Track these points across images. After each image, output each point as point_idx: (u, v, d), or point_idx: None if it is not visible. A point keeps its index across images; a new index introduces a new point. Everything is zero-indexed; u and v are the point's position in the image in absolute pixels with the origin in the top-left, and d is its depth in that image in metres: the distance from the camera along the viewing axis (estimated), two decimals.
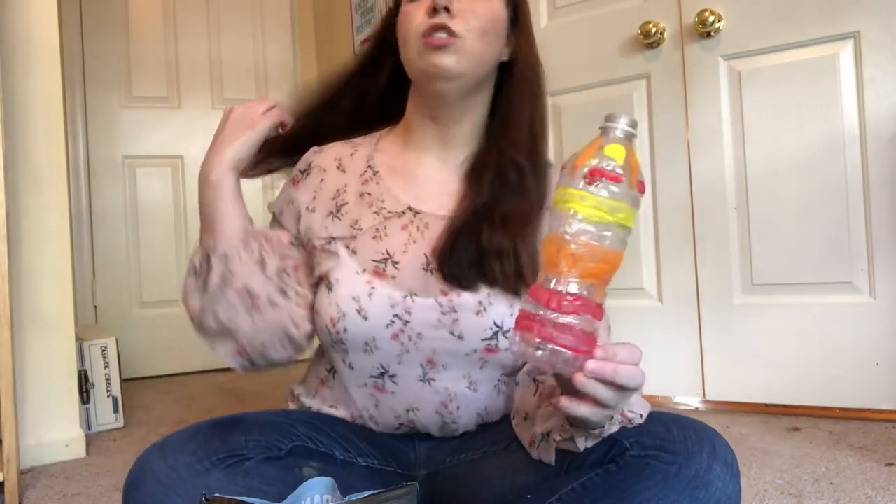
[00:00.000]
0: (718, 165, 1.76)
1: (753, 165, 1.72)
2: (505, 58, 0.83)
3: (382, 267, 0.78)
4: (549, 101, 2.00)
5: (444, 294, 0.76)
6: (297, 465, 0.67)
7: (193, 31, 2.84)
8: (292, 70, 2.98)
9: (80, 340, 1.86)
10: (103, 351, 1.91)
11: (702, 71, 1.78)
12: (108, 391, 1.91)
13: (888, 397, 1.58)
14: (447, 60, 0.76)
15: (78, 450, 1.62)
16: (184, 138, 2.79)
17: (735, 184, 1.75)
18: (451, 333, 0.75)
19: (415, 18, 0.78)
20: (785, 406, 1.70)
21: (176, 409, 2.13)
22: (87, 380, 1.87)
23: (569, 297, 0.53)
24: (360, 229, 0.81)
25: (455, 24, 0.76)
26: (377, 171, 0.85)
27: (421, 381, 0.78)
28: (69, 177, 1.72)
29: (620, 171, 0.54)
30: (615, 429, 0.63)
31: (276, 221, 0.89)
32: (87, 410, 1.88)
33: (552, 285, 0.54)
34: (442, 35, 0.75)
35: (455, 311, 0.75)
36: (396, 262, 0.78)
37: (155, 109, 2.76)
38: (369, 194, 0.83)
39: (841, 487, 1.19)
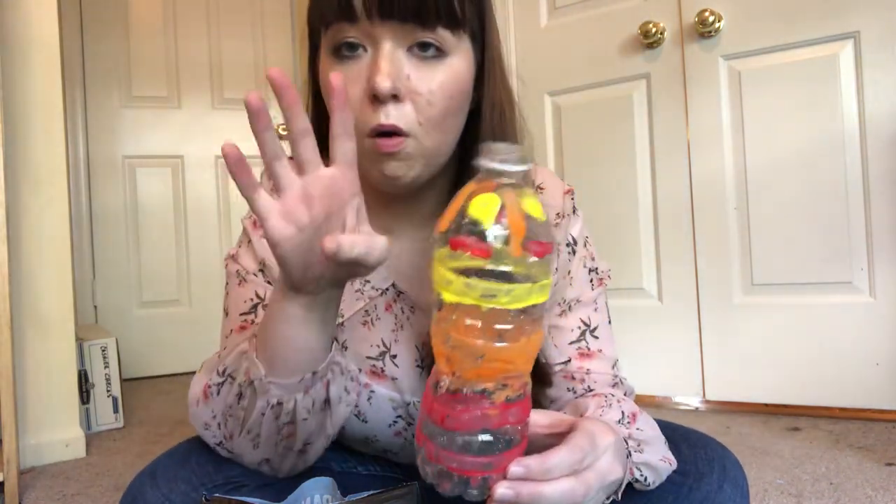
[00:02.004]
0: (718, 165, 1.76)
1: (753, 165, 1.72)
2: (471, 106, 0.65)
3: (381, 366, 0.69)
4: (549, 101, 2.01)
5: None
6: (295, 485, 0.65)
7: (193, 31, 2.84)
8: (292, 70, 2.97)
9: (80, 340, 1.86)
10: (103, 351, 1.91)
11: (702, 71, 1.78)
12: (108, 391, 1.91)
13: (888, 397, 1.58)
14: (397, 167, 0.59)
15: (78, 450, 1.62)
16: (184, 138, 2.79)
17: (735, 184, 1.75)
18: None
19: (350, 96, 0.58)
20: (785, 406, 1.70)
21: (176, 409, 2.13)
22: (87, 380, 1.87)
23: (455, 411, 0.39)
24: (343, 315, 0.68)
25: (406, 120, 0.57)
26: None
27: None
28: (69, 177, 1.72)
29: (490, 240, 0.38)
30: (622, 489, 0.58)
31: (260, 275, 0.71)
32: (87, 410, 1.88)
33: (437, 392, 0.40)
34: (389, 138, 0.58)
35: None
36: (395, 357, 0.69)
37: (155, 109, 2.76)
38: None
39: (841, 487, 1.19)
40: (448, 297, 0.39)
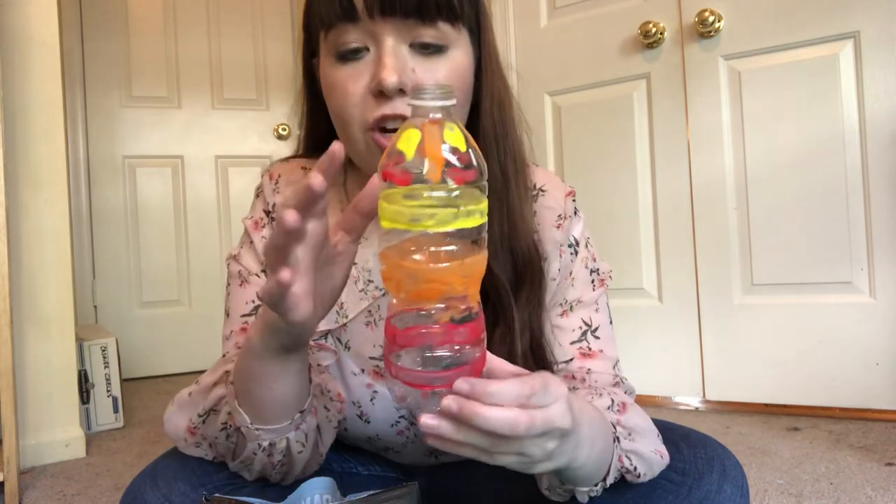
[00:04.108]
0: (718, 165, 1.76)
1: (753, 165, 1.72)
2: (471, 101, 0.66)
3: (383, 366, 0.67)
4: (549, 101, 2.01)
5: None
6: (295, 484, 0.66)
7: (193, 31, 2.84)
8: (292, 70, 2.98)
9: (80, 340, 1.86)
10: (103, 351, 1.91)
11: (702, 71, 1.78)
12: (108, 391, 1.90)
13: (888, 397, 1.58)
14: None
15: (78, 450, 1.62)
16: (184, 138, 2.79)
17: (735, 184, 1.75)
18: None
19: (353, 93, 0.59)
20: (785, 406, 1.70)
21: None
22: (87, 380, 1.87)
23: (404, 329, 0.44)
24: (347, 316, 0.68)
25: None
26: None
27: (427, 456, 0.77)
28: (69, 177, 1.72)
29: (411, 168, 0.42)
30: (612, 480, 0.58)
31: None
32: (87, 410, 1.88)
33: (390, 313, 0.45)
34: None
35: None
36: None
37: (155, 109, 2.76)
38: (354, 263, 0.67)
39: (841, 487, 1.19)
40: (384, 223, 0.43)
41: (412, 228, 0.42)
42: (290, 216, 0.42)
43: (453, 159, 0.42)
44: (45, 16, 1.60)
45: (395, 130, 0.59)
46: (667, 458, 0.63)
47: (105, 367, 1.91)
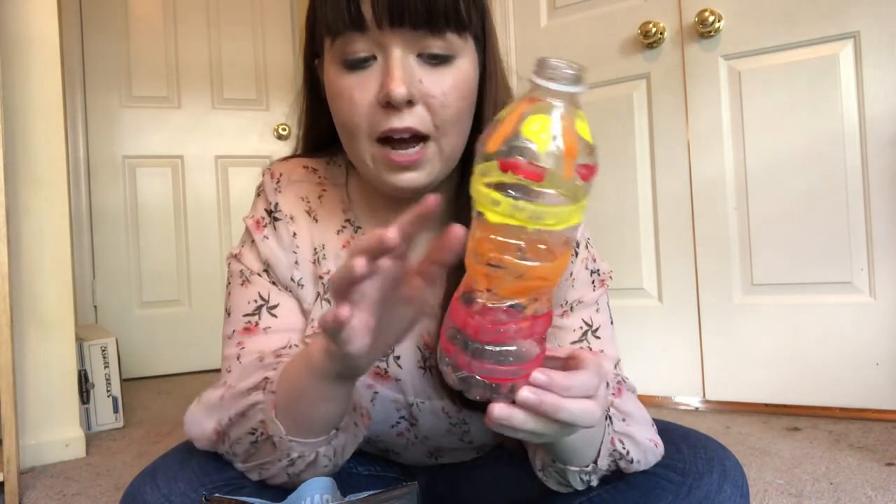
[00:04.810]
0: (718, 165, 1.76)
1: (753, 165, 1.72)
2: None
3: (384, 367, 0.69)
4: None
5: (451, 398, 0.69)
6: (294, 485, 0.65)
7: (193, 31, 2.84)
8: (292, 70, 2.98)
9: (80, 340, 1.86)
10: (103, 351, 1.91)
11: (702, 71, 1.78)
12: (108, 391, 1.90)
13: (888, 397, 1.58)
14: (416, 177, 0.60)
15: (78, 450, 1.62)
16: (184, 138, 2.79)
17: (735, 184, 1.75)
18: (462, 440, 0.73)
19: (360, 102, 0.59)
20: (785, 406, 1.70)
21: (176, 409, 2.13)
22: (87, 380, 1.87)
23: (489, 325, 0.41)
24: None
25: (422, 122, 0.58)
26: (359, 228, 0.71)
27: (427, 457, 0.77)
28: (69, 177, 1.72)
29: (542, 162, 0.38)
30: (604, 465, 0.59)
31: (264, 274, 0.70)
32: (87, 410, 1.88)
33: (471, 306, 0.42)
34: (406, 148, 0.59)
35: (465, 423, 0.71)
36: (398, 358, 0.69)
37: (155, 109, 2.76)
38: None
39: (841, 487, 1.19)
40: (493, 217, 0.39)
41: (529, 226, 0.39)
42: (359, 265, 0.41)
43: (584, 153, 0.39)
44: (45, 16, 1.60)
45: (402, 142, 0.58)
46: (661, 448, 0.63)
47: (105, 367, 1.91)
